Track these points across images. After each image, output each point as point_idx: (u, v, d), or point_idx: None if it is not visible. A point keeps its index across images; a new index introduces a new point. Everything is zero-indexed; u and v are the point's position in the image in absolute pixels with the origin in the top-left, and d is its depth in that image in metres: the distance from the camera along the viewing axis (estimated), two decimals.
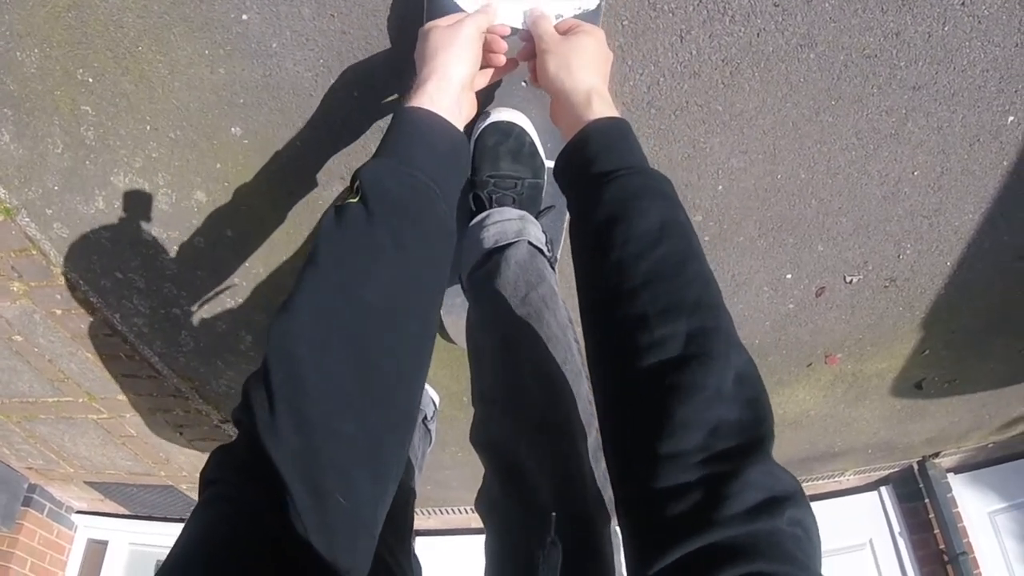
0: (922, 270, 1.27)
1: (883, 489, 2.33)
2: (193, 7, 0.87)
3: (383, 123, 1.00)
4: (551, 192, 0.98)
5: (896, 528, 2.27)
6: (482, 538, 0.78)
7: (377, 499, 0.47)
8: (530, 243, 0.92)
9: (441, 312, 1.23)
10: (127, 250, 1.25)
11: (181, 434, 1.90)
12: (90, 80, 0.98)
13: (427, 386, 1.48)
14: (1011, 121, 1.01)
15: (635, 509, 0.48)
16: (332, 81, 0.94)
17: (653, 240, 0.54)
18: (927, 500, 2.23)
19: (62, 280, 1.36)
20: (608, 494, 0.74)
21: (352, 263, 0.51)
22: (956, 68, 0.93)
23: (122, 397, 1.77)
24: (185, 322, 1.41)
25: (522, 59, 0.79)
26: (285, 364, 0.46)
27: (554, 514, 0.63)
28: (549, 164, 0.98)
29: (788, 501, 0.42)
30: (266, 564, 0.41)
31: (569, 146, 0.65)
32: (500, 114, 0.93)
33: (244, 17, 0.88)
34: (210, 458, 0.48)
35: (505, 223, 0.93)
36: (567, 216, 1.06)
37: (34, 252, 1.31)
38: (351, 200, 0.54)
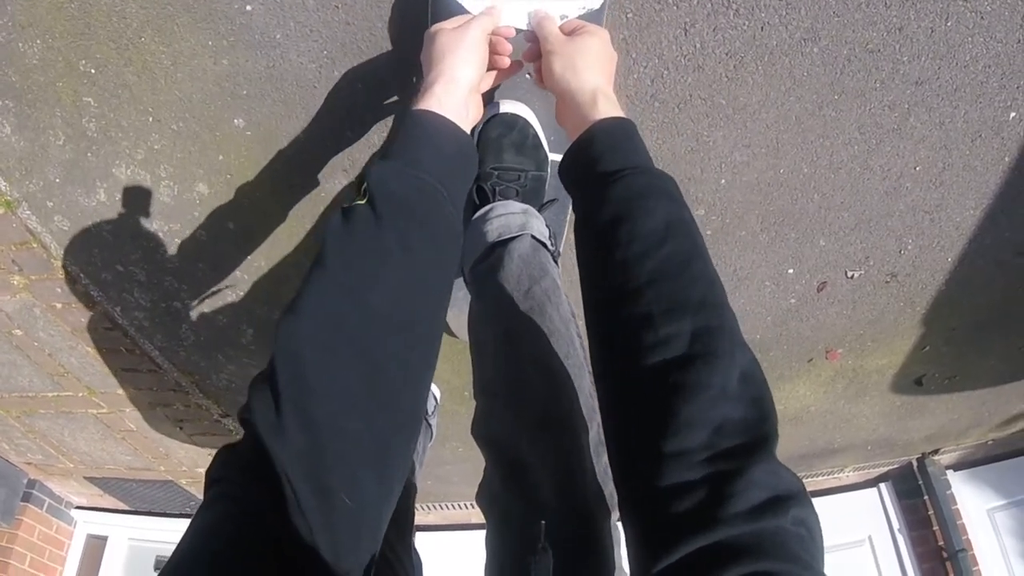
0: (923, 266, 1.27)
1: (883, 486, 2.34)
2: None
3: (387, 115, 1.00)
4: (554, 185, 0.98)
5: (895, 525, 2.28)
6: (482, 534, 0.78)
7: (382, 500, 0.48)
8: (533, 237, 0.92)
9: None
10: (128, 243, 1.25)
11: (181, 429, 1.89)
12: (92, 71, 0.98)
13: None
14: (1013, 117, 1.01)
15: (639, 507, 0.48)
16: (336, 73, 0.94)
17: (658, 239, 0.54)
18: (926, 497, 2.23)
19: (62, 273, 1.36)
20: (609, 488, 0.74)
21: (359, 265, 0.51)
22: (958, 64, 0.93)
23: (122, 392, 1.77)
24: (186, 316, 1.41)
25: (527, 60, 0.79)
26: (291, 365, 0.46)
27: (543, 522, 0.64)
28: (553, 157, 0.98)
29: (792, 500, 0.43)
30: (269, 563, 0.42)
31: (574, 146, 0.65)
32: (504, 106, 0.93)
33: (248, 8, 0.88)
34: (215, 457, 0.48)
35: (509, 216, 0.93)
36: (570, 210, 1.06)
37: (35, 245, 1.31)
38: (358, 202, 0.55)
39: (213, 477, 0.47)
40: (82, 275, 1.35)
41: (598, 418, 0.77)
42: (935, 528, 2.21)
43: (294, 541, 0.42)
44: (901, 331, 1.45)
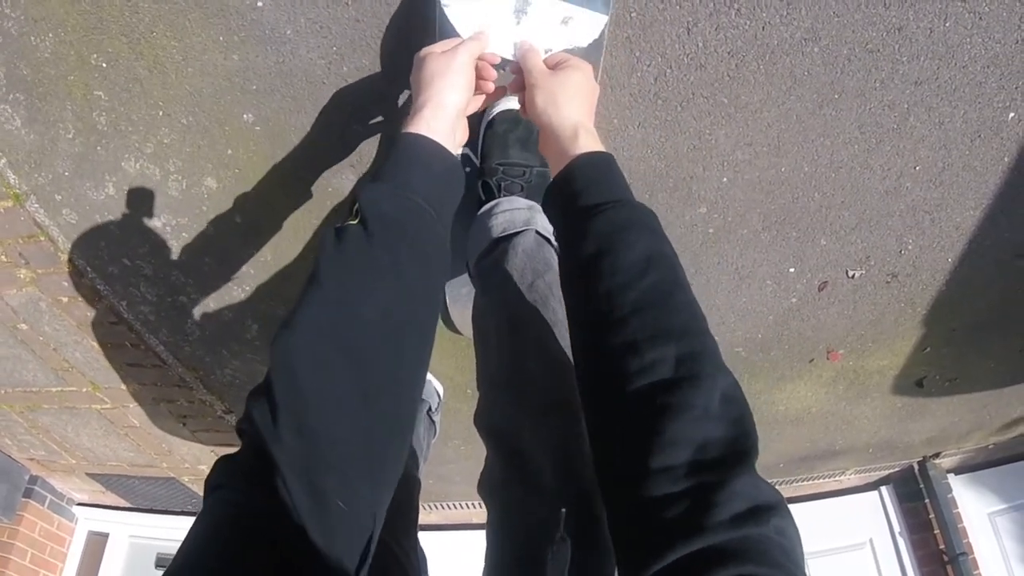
0: (924, 266, 1.28)
1: (883, 489, 2.33)
2: None
3: (395, 112, 1.01)
4: None
5: (896, 528, 2.28)
6: (483, 533, 0.79)
7: (376, 505, 0.50)
8: (538, 232, 0.94)
9: (447, 301, 1.25)
10: (135, 237, 1.26)
11: (184, 425, 1.90)
12: (104, 65, 0.99)
13: (432, 378, 1.49)
14: (1012, 118, 1.02)
15: (626, 517, 0.50)
16: (345, 69, 0.95)
17: (640, 271, 0.57)
18: (927, 500, 2.23)
19: (69, 267, 1.37)
20: None
21: (352, 281, 0.54)
22: (957, 64, 0.95)
23: (126, 387, 1.78)
24: (191, 310, 1.42)
25: (512, 91, 0.81)
26: (287, 377, 0.48)
27: (564, 510, 0.65)
28: None
29: (772, 511, 0.45)
30: (268, 566, 0.43)
31: (557, 179, 0.68)
32: (510, 102, 0.94)
33: (259, 4, 0.89)
34: (214, 466, 0.50)
35: (514, 212, 0.94)
36: None
37: (42, 238, 1.32)
38: (351, 222, 0.57)
39: (213, 484, 0.49)
40: (89, 269, 1.36)
41: None
42: (936, 531, 2.21)
43: (291, 544, 0.44)
44: (902, 332, 1.46)
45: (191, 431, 1.94)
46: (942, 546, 2.19)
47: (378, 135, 1.05)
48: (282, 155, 1.08)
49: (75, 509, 2.78)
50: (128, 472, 2.37)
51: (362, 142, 1.06)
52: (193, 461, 2.18)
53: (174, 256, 1.28)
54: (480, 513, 2.44)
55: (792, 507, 0.47)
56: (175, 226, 1.23)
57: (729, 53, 0.93)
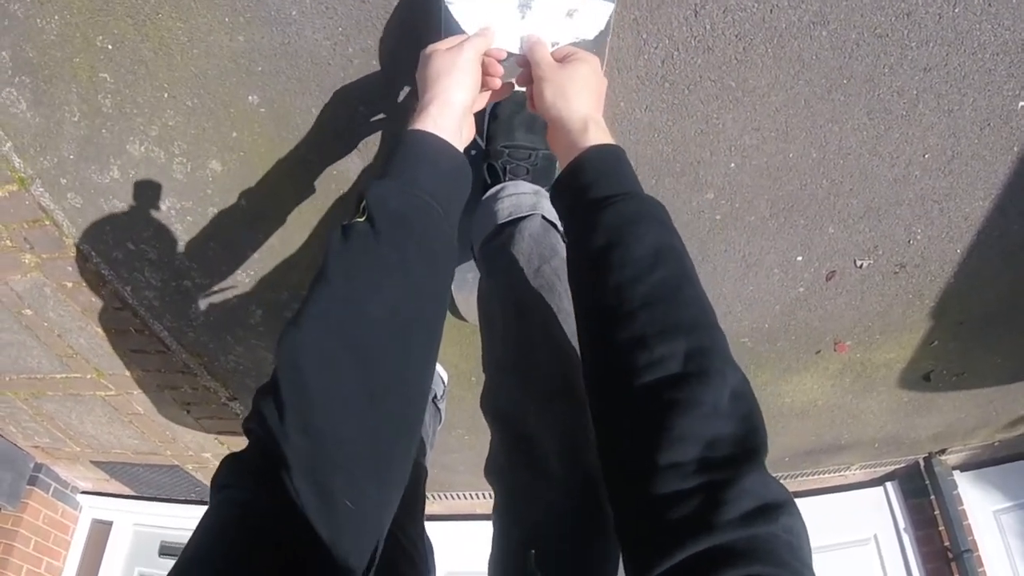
0: (932, 257, 1.27)
1: (889, 485, 2.33)
2: None
3: (401, 95, 1.01)
4: None
5: (901, 524, 2.27)
6: (487, 524, 0.79)
7: (382, 505, 0.50)
8: (544, 217, 0.93)
9: (452, 288, 1.24)
10: (140, 221, 1.26)
11: (188, 412, 1.91)
12: (109, 47, 0.99)
13: (437, 365, 1.49)
14: (1021, 107, 1.01)
15: (634, 514, 0.50)
16: (350, 50, 0.95)
17: (649, 265, 0.57)
18: (933, 497, 2.23)
19: (74, 252, 1.37)
20: None
21: (359, 279, 0.54)
22: (966, 50, 0.93)
23: (130, 374, 1.78)
24: (196, 295, 1.42)
25: (520, 84, 0.81)
26: (294, 375, 0.48)
27: (532, 551, 0.66)
28: None
29: (781, 509, 0.44)
30: (274, 565, 0.43)
31: (566, 172, 0.67)
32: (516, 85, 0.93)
33: None
34: (221, 465, 0.50)
35: (520, 196, 0.94)
36: None
37: (47, 223, 1.32)
38: (358, 219, 0.57)
39: (220, 483, 0.49)
40: (94, 253, 1.36)
41: None
42: (941, 528, 2.21)
43: (298, 544, 0.44)
44: (909, 324, 1.45)
45: (195, 418, 1.94)
46: (947, 543, 2.19)
47: (383, 118, 1.04)
48: (287, 137, 1.07)
49: (79, 497, 2.80)
50: (132, 460, 2.38)
51: (368, 125, 1.05)
52: (197, 449, 2.19)
53: (178, 240, 1.28)
54: (483, 504, 2.44)
55: (796, 502, 0.47)
56: (180, 210, 1.23)
57: (737, 36, 0.92)
